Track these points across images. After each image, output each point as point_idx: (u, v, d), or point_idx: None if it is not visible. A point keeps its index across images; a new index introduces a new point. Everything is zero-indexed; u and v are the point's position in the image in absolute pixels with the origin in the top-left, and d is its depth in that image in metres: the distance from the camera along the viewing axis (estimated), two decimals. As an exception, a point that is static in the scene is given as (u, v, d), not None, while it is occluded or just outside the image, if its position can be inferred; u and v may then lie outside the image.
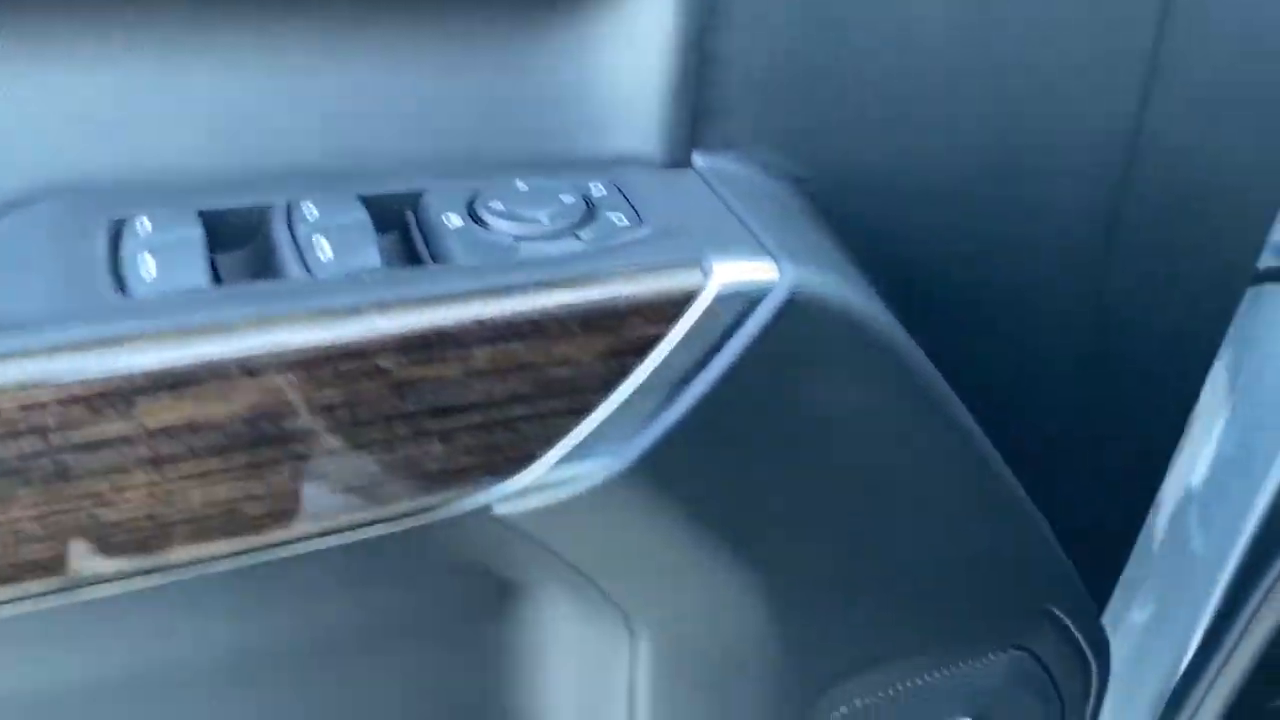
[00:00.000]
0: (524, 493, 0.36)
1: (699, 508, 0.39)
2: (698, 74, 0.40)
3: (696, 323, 0.35)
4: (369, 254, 0.33)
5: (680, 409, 0.36)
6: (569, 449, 0.35)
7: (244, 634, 0.40)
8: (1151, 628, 0.69)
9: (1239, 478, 0.64)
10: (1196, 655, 0.65)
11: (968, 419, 0.45)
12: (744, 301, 0.36)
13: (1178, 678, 0.66)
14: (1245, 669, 0.63)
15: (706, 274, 0.35)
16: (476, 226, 0.36)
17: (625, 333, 0.34)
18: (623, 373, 0.35)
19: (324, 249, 0.33)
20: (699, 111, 0.41)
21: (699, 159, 0.42)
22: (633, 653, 0.45)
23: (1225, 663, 0.64)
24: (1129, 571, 0.70)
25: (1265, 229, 0.55)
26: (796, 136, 0.43)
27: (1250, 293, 0.61)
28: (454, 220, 0.36)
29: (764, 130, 0.43)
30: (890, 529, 0.45)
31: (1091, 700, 0.60)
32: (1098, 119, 0.48)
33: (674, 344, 0.35)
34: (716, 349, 0.36)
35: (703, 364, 0.36)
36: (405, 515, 0.35)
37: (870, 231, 0.46)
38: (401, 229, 0.37)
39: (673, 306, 0.35)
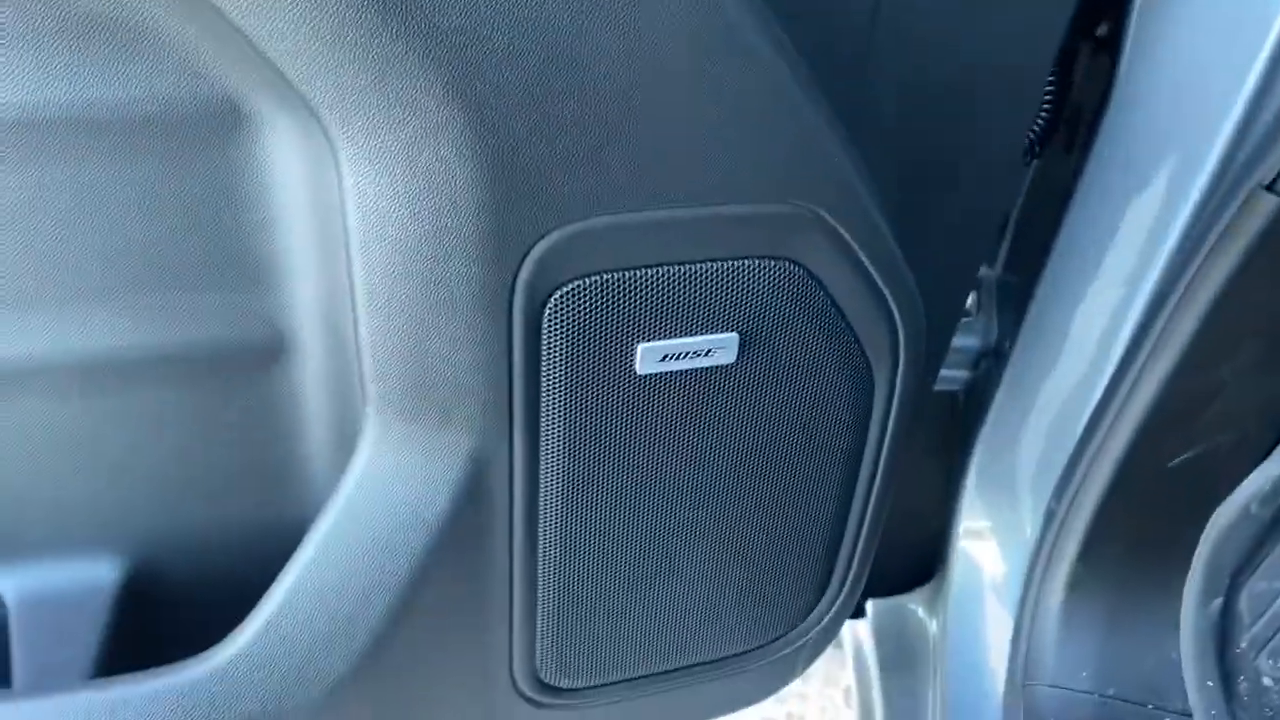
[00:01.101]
0: None
1: None
2: None
3: None
4: None
5: None
6: None
7: None
8: (1053, 384, 0.65)
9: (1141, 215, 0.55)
10: (1095, 410, 0.60)
11: None
12: None
13: (1078, 436, 0.61)
14: (1139, 424, 0.58)
15: None
16: None
17: None
18: None
19: None
20: None
21: None
22: (339, 180, 0.44)
23: (1117, 418, 0.58)
24: (1031, 319, 0.64)
25: None
26: None
27: None
28: None
29: None
30: (598, 59, 0.41)
31: (902, 344, 0.54)
32: None
33: None
34: None
35: None
36: None
37: None
38: None
39: None
